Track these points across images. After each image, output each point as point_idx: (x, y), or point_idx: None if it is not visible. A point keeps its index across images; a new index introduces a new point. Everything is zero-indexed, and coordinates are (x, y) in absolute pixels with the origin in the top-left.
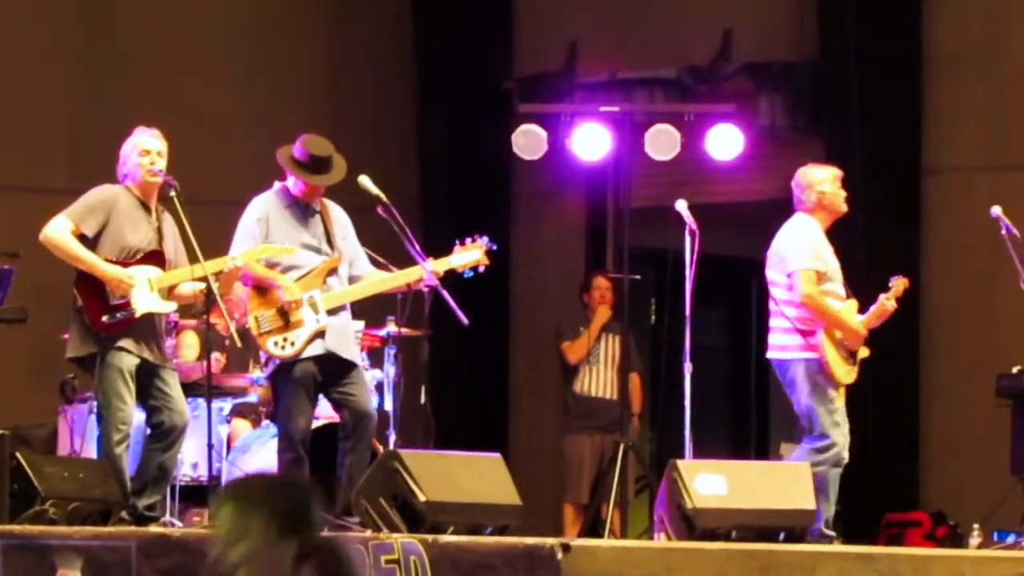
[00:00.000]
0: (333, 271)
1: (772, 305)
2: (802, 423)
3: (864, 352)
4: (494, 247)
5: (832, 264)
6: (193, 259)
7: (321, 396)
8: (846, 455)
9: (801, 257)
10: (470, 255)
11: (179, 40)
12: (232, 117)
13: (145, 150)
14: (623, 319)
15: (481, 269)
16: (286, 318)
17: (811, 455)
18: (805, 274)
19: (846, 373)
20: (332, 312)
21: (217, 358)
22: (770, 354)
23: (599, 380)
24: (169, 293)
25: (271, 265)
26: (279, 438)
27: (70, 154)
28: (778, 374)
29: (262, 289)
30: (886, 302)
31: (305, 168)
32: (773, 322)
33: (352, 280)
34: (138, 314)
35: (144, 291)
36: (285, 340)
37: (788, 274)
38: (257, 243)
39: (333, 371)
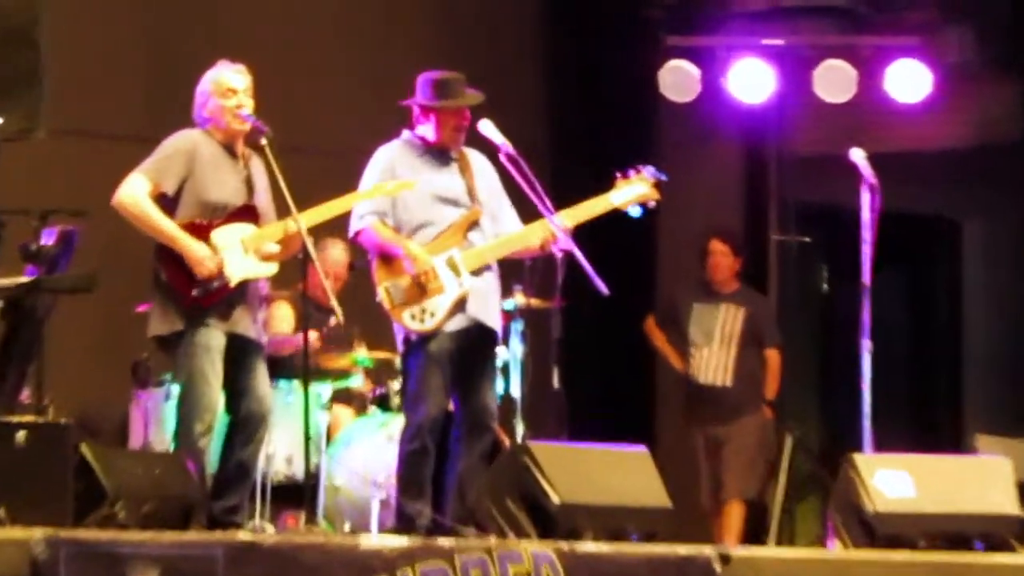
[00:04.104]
0: (474, 225)
1: None
2: None
3: None
4: (663, 178)
5: None
6: (287, 214)
7: None
8: None
9: None
10: (634, 189)
11: None
12: (331, 53)
13: (230, 89)
14: (766, 287)
15: (652, 205)
16: (423, 285)
17: None
18: None
19: None
20: (475, 273)
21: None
22: None
23: (708, 363)
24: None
25: (399, 227)
26: (405, 425)
27: (144, 96)
28: None
29: (390, 256)
30: None
31: (435, 96)
32: None
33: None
34: (233, 283)
35: (237, 255)
36: (423, 311)
37: None
38: (384, 201)
39: (473, 346)
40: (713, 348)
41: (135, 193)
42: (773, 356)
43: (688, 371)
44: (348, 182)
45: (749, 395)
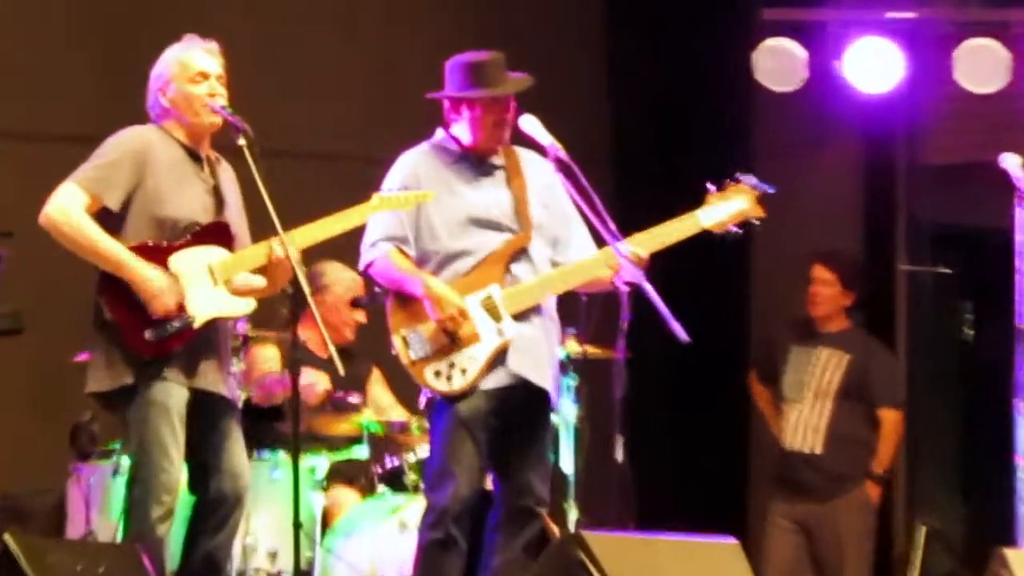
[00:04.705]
0: (520, 254)
1: None
2: None
3: None
4: (769, 190)
5: None
6: (270, 232)
7: None
8: None
9: None
10: (730, 206)
11: None
12: (327, 37)
13: (200, 72)
14: (892, 331)
15: (754, 224)
16: (451, 333)
17: None
18: None
19: None
20: (520, 317)
21: (314, 384)
22: None
23: (798, 424)
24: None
25: (424, 258)
26: (425, 509)
27: (94, 88)
28: None
29: (407, 296)
30: None
31: (468, 83)
32: None
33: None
34: (197, 323)
35: (203, 287)
36: (452, 367)
37: None
38: (403, 225)
39: (517, 409)
40: (805, 404)
41: (67, 207)
42: (889, 418)
43: (779, 434)
44: (348, 195)
45: (848, 467)
